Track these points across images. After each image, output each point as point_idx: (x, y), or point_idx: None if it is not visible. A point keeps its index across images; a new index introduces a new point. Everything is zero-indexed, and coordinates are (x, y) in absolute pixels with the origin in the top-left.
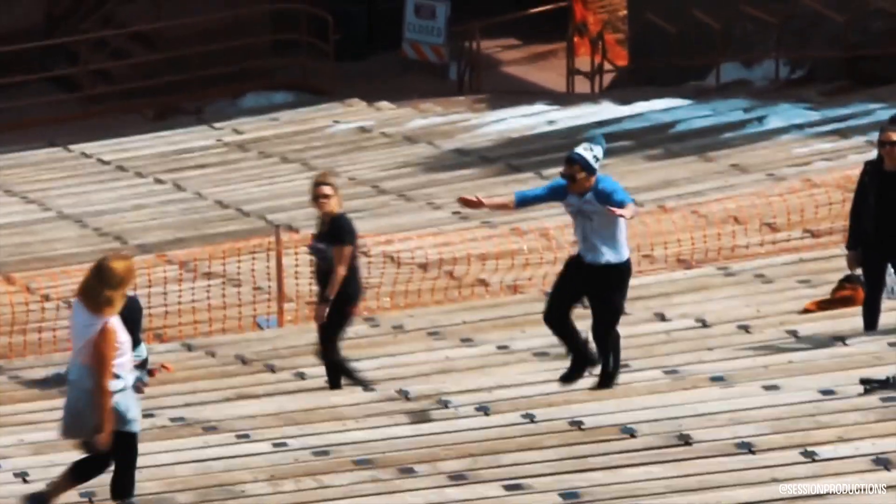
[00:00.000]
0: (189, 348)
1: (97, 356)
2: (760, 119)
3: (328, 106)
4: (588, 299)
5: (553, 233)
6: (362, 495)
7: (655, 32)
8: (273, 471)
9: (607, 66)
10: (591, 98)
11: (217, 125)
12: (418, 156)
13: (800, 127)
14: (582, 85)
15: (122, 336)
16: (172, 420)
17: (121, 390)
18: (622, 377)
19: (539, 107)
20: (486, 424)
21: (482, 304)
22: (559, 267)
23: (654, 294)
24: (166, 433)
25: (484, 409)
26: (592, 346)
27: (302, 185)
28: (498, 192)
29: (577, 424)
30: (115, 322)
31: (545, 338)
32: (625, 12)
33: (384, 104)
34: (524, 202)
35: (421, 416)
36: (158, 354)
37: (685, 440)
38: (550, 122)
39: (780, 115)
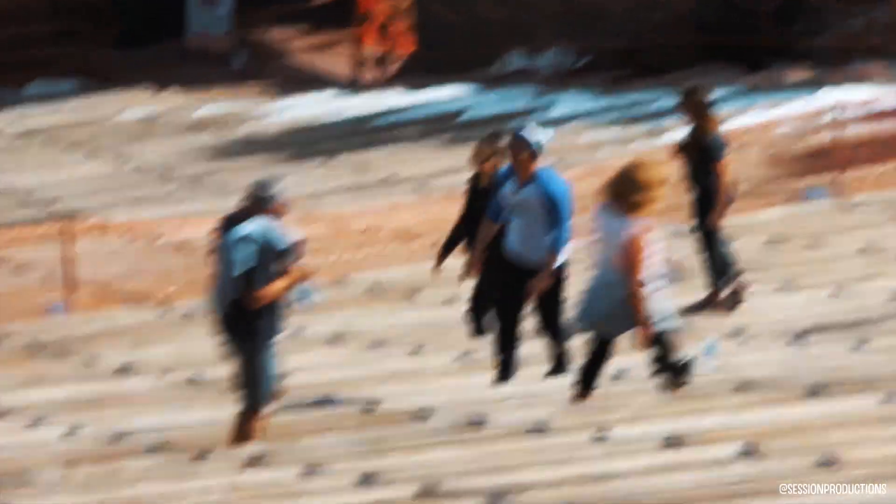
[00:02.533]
0: None
1: (628, 258)
2: (547, 106)
3: (114, 94)
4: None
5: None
6: (156, 479)
7: (441, 22)
8: (65, 457)
9: (395, 54)
10: (379, 86)
11: (1, 113)
12: (206, 143)
13: (586, 114)
14: (370, 74)
15: (651, 237)
16: None
17: (652, 290)
18: (415, 361)
19: (327, 95)
20: (281, 409)
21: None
22: (350, 254)
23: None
24: None
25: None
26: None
27: (89, 172)
28: (286, 178)
29: (371, 408)
30: (644, 224)
31: (338, 323)
32: (410, 1)
33: (170, 92)
34: (499, 214)
35: (217, 401)
36: None
37: (479, 422)
38: (338, 110)
39: (567, 102)
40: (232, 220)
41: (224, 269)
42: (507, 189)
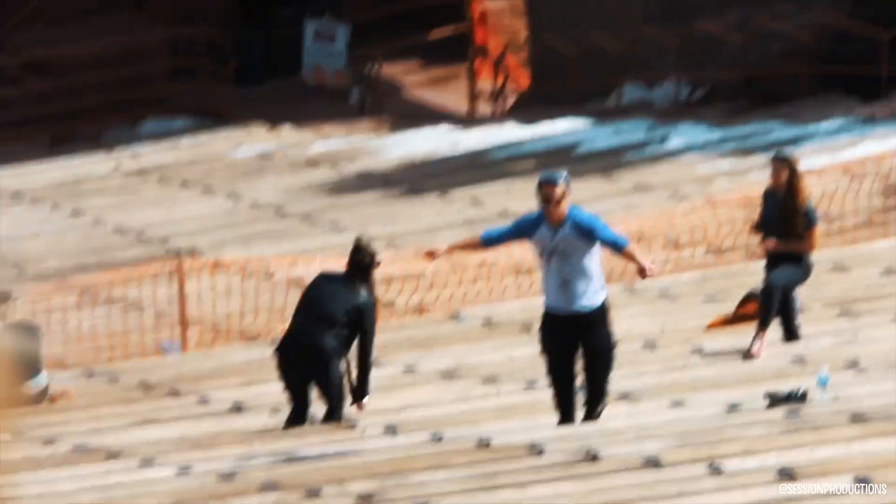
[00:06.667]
0: (90, 375)
1: None
2: (662, 139)
3: (228, 131)
4: (582, 350)
5: (456, 256)
6: None
7: (556, 54)
8: (177, 496)
9: (509, 88)
10: (494, 120)
11: (115, 151)
12: (321, 179)
13: (701, 146)
14: (484, 108)
15: None
16: (74, 447)
17: None
18: (529, 395)
19: (442, 129)
20: (393, 445)
21: (388, 326)
22: (464, 288)
23: None
24: (68, 460)
25: (391, 430)
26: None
27: (203, 209)
28: (401, 213)
29: (484, 443)
30: None
31: (452, 358)
32: (525, 34)
33: (285, 128)
34: (491, 242)
35: (328, 438)
36: (59, 382)
37: (592, 456)
38: (453, 145)
39: (682, 134)
40: None
41: None
42: (540, 236)
